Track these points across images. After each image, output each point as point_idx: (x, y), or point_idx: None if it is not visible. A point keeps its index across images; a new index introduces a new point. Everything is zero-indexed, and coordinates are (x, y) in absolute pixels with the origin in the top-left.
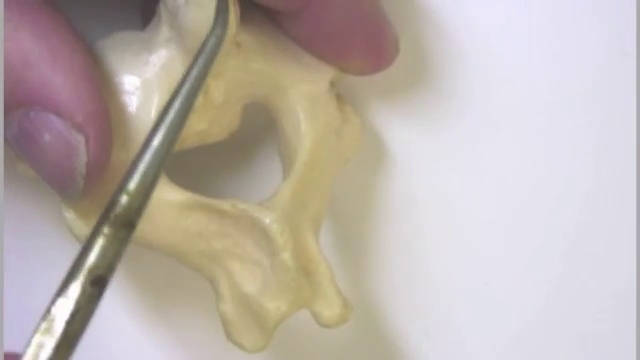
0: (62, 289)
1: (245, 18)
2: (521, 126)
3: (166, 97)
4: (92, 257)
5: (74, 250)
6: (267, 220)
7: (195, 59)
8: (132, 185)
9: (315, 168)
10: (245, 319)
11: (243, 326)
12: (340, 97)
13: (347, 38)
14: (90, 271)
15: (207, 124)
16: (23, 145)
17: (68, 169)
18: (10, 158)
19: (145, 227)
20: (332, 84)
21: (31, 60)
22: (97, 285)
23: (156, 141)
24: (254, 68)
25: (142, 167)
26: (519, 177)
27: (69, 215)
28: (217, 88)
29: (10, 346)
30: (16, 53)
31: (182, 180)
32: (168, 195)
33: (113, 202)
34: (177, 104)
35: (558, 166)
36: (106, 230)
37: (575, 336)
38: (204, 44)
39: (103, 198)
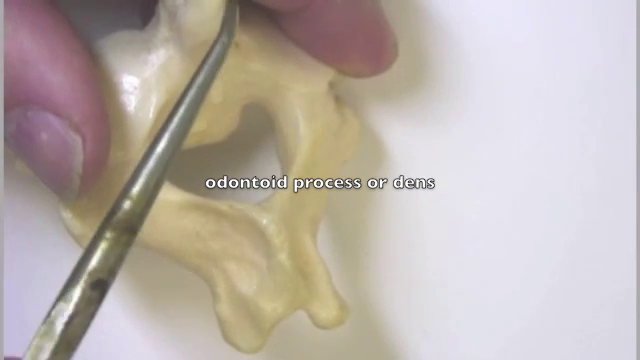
0: (63, 293)
1: (244, 18)
2: (521, 126)
3: (164, 97)
4: (94, 261)
5: (74, 249)
6: (264, 221)
7: (201, 66)
8: (135, 190)
9: (313, 169)
10: (241, 320)
11: (239, 327)
12: (339, 98)
13: (347, 40)
14: (91, 275)
15: (206, 124)
16: (20, 144)
17: (65, 169)
18: (9, 156)
19: (143, 227)
20: (331, 85)
21: (30, 59)
22: (97, 289)
23: (160, 147)
24: (253, 69)
25: (145, 172)
26: (519, 177)
27: (66, 215)
28: (215, 88)
29: (10, 346)
30: (15, 52)
31: (180, 180)
32: (166, 195)
33: (116, 207)
34: (182, 110)
35: (558, 166)
36: (108, 234)
37: (575, 336)
38: (210, 51)
39: (100, 198)
